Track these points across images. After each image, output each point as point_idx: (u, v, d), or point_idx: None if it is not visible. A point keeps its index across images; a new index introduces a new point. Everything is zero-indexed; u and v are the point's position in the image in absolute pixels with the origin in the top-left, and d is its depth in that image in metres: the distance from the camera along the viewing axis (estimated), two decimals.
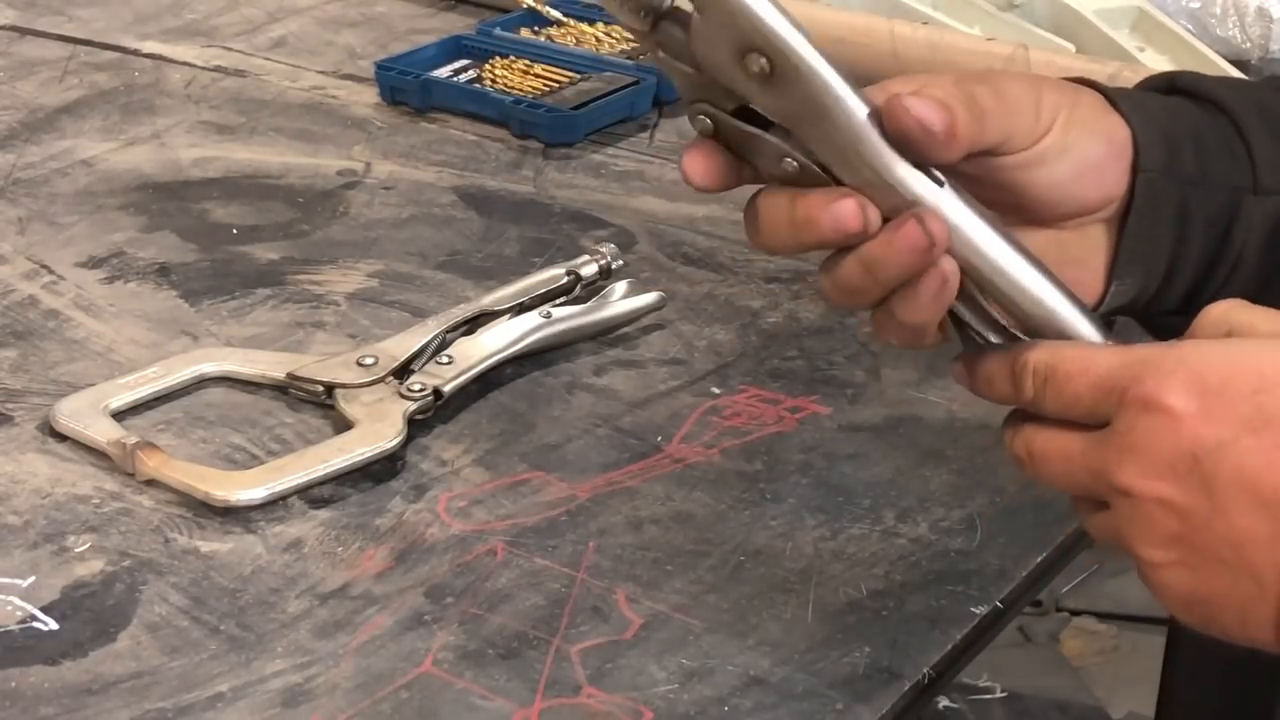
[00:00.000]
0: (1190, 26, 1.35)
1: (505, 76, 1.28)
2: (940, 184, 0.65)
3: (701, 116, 0.67)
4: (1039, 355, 0.65)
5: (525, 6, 1.37)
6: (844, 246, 0.66)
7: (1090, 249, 0.73)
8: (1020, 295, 0.67)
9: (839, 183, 0.66)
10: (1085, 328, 0.67)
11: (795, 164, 0.66)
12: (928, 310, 0.66)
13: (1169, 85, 0.77)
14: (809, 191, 0.66)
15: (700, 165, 0.68)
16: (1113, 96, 0.73)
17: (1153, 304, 0.76)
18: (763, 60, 0.64)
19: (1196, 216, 0.74)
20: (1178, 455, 0.59)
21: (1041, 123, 0.70)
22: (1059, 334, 0.66)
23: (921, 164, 0.65)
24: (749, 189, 0.69)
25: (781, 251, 0.69)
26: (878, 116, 0.65)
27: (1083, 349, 0.64)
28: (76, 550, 0.79)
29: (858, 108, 0.65)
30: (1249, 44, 1.35)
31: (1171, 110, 0.75)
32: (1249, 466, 0.59)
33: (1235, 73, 1.28)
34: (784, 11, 0.64)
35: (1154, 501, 0.60)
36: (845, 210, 0.65)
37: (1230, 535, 0.59)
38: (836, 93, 0.64)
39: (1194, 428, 0.59)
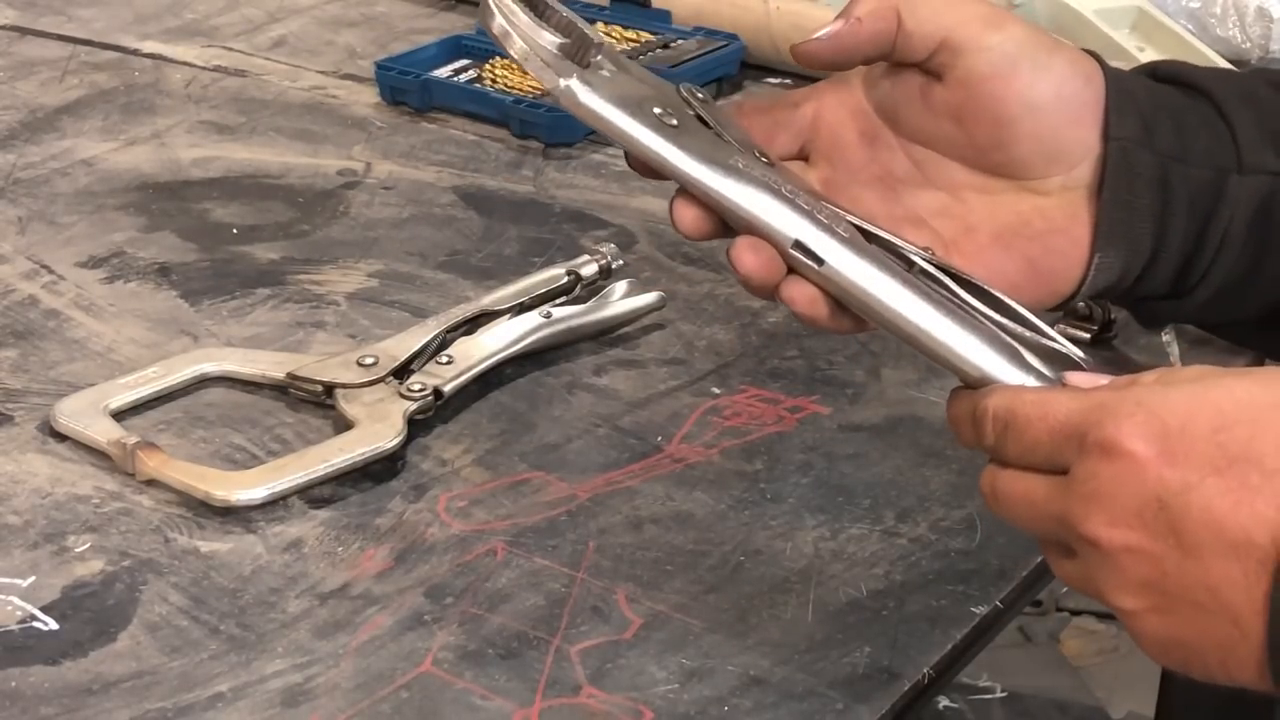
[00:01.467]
0: (1190, 26, 1.35)
1: (505, 76, 1.28)
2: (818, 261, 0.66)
3: None
4: (997, 401, 0.64)
5: None
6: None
7: (1073, 218, 0.72)
8: (941, 351, 0.67)
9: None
10: (1018, 374, 0.66)
11: None
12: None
13: (1151, 73, 0.77)
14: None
15: (688, 214, 0.70)
16: (1096, 57, 0.73)
17: (1140, 284, 0.75)
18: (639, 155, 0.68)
19: (1179, 192, 0.73)
20: (1143, 501, 0.58)
21: (994, 22, 0.69)
22: (998, 381, 0.66)
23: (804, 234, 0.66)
24: None
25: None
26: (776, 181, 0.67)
27: (1040, 393, 0.63)
28: (76, 550, 0.79)
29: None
30: (1249, 44, 1.35)
31: (1149, 89, 0.74)
32: (1216, 508, 0.57)
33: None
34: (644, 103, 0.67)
35: (1122, 550, 0.59)
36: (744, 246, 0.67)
37: (1204, 579, 0.58)
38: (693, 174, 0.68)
39: (1157, 471, 0.58)
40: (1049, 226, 0.71)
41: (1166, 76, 0.76)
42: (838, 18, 0.68)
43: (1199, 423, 0.58)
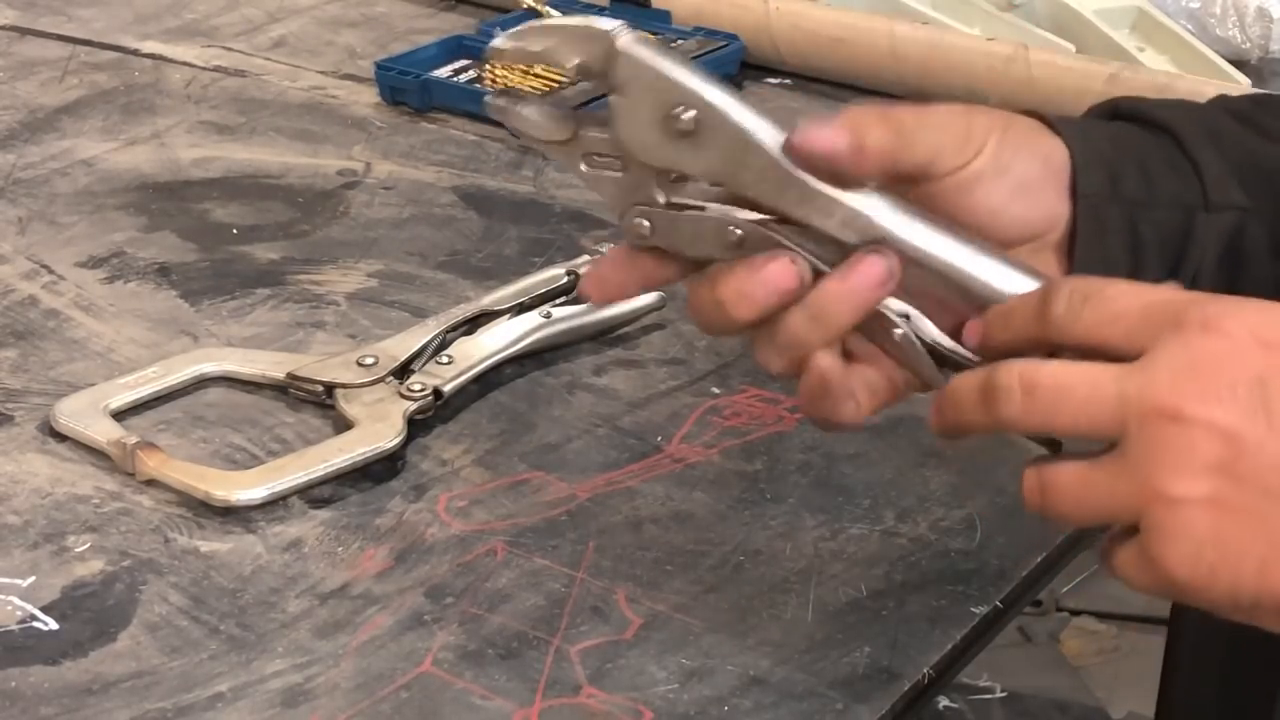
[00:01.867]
0: (1190, 26, 1.36)
1: (505, 76, 1.28)
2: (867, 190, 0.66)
3: (638, 220, 0.69)
4: (1078, 280, 0.62)
5: (525, 6, 1.37)
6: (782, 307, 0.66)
7: (1048, 273, 0.72)
8: (980, 280, 0.65)
9: (782, 237, 0.66)
10: None
11: (738, 231, 0.66)
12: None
13: (1112, 111, 0.77)
14: (735, 264, 0.66)
15: (598, 281, 0.70)
16: (1051, 120, 0.72)
17: None
18: (686, 114, 0.66)
19: (1149, 239, 0.73)
20: (1242, 379, 0.57)
21: (973, 143, 0.69)
22: None
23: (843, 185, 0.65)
24: None
25: (726, 333, 0.68)
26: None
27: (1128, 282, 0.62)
28: (76, 550, 0.79)
29: (774, 136, 0.66)
30: (1249, 44, 1.35)
31: (1113, 135, 0.74)
32: None
33: (1235, 72, 1.28)
34: (692, 64, 0.67)
35: (1205, 424, 0.57)
36: (776, 270, 0.65)
37: None
38: (751, 125, 0.66)
39: (1261, 352, 0.57)
40: None
41: (1129, 114, 0.76)
42: (838, 128, 0.66)
43: None
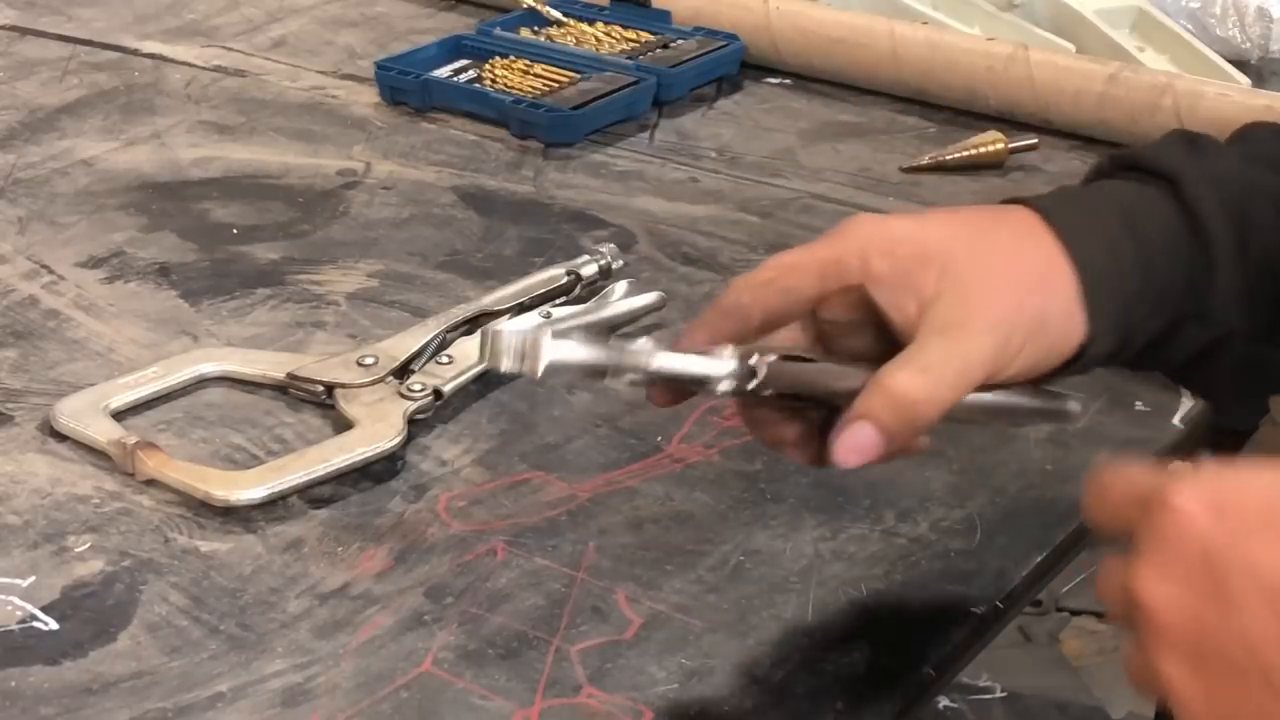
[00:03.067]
0: (1190, 26, 1.36)
1: (505, 76, 1.28)
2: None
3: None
4: (1099, 473, 0.62)
5: (525, 6, 1.37)
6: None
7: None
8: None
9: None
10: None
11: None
12: None
13: (1118, 165, 0.75)
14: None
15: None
16: (1087, 286, 0.69)
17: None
18: (635, 377, 0.68)
19: (1139, 342, 0.73)
20: (1189, 555, 0.56)
21: (1006, 370, 0.68)
22: None
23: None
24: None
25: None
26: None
27: (1134, 468, 0.61)
28: (76, 550, 0.79)
29: (707, 366, 0.69)
30: (1249, 44, 1.35)
31: (1134, 263, 0.71)
32: (1262, 563, 0.55)
33: (1235, 72, 1.28)
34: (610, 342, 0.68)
35: (1165, 607, 0.57)
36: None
37: (1243, 637, 0.55)
38: (686, 366, 0.69)
39: (1205, 525, 0.56)
40: None
41: (1127, 164, 0.75)
42: (868, 445, 0.67)
43: (1253, 492, 0.57)
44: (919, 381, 0.66)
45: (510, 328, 0.67)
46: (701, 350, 0.69)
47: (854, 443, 0.66)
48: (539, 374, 0.66)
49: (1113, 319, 0.70)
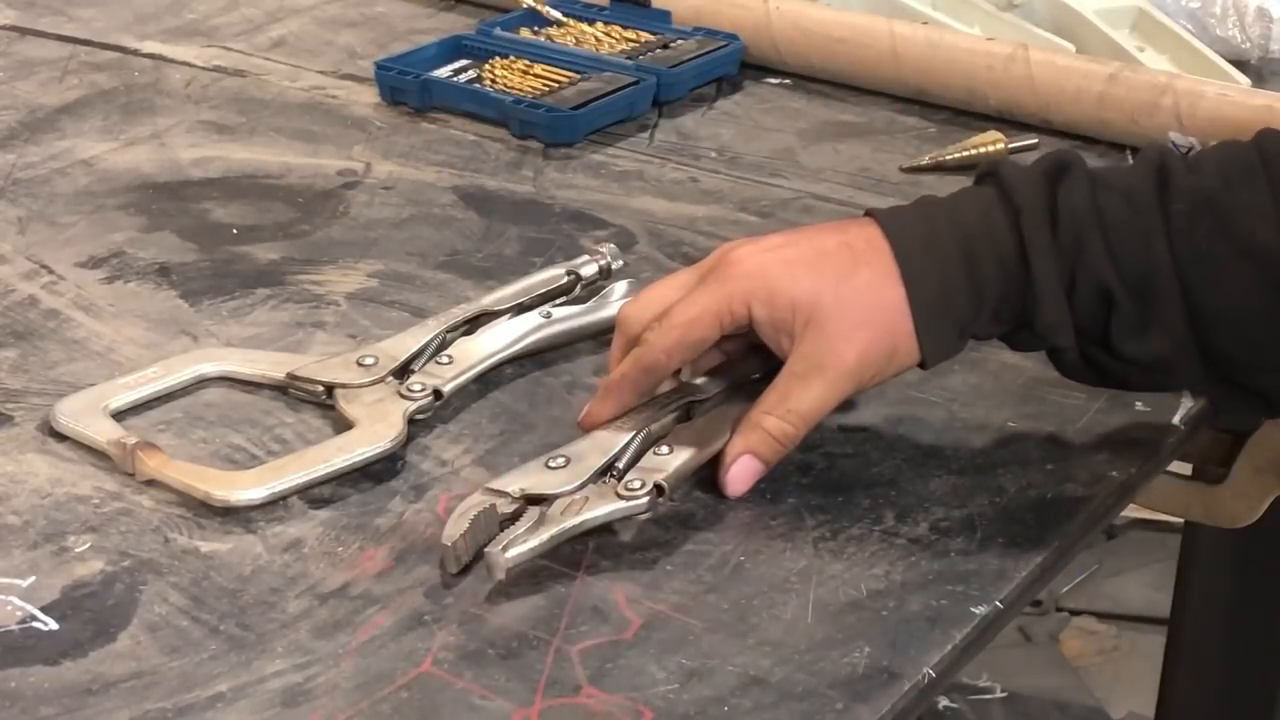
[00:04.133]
0: (1190, 26, 1.35)
1: (505, 76, 1.28)
2: None
3: None
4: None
5: (525, 6, 1.37)
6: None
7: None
8: None
9: None
10: None
11: None
12: None
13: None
14: None
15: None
16: (919, 323, 0.83)
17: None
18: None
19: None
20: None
21: (859, 390, 0.86)
22: None
23: None
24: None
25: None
26: None
27: None
28: (76, 550, 0.79)
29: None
30: (1249, 44, 1.35)
31: (967, 295, 0.84)
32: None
33: (1235, 72, 1.28)
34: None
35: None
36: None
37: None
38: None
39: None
40: None
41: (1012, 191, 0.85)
42: (741, 479, 0.84)
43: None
44: (787, 422, 0.83)
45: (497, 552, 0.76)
46: (612, 426, 0.84)
47: (741, 473, 0.83)
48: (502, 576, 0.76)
49: (946, 342, 0.84)
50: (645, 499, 0.80)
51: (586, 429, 0.84)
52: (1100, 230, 0.82)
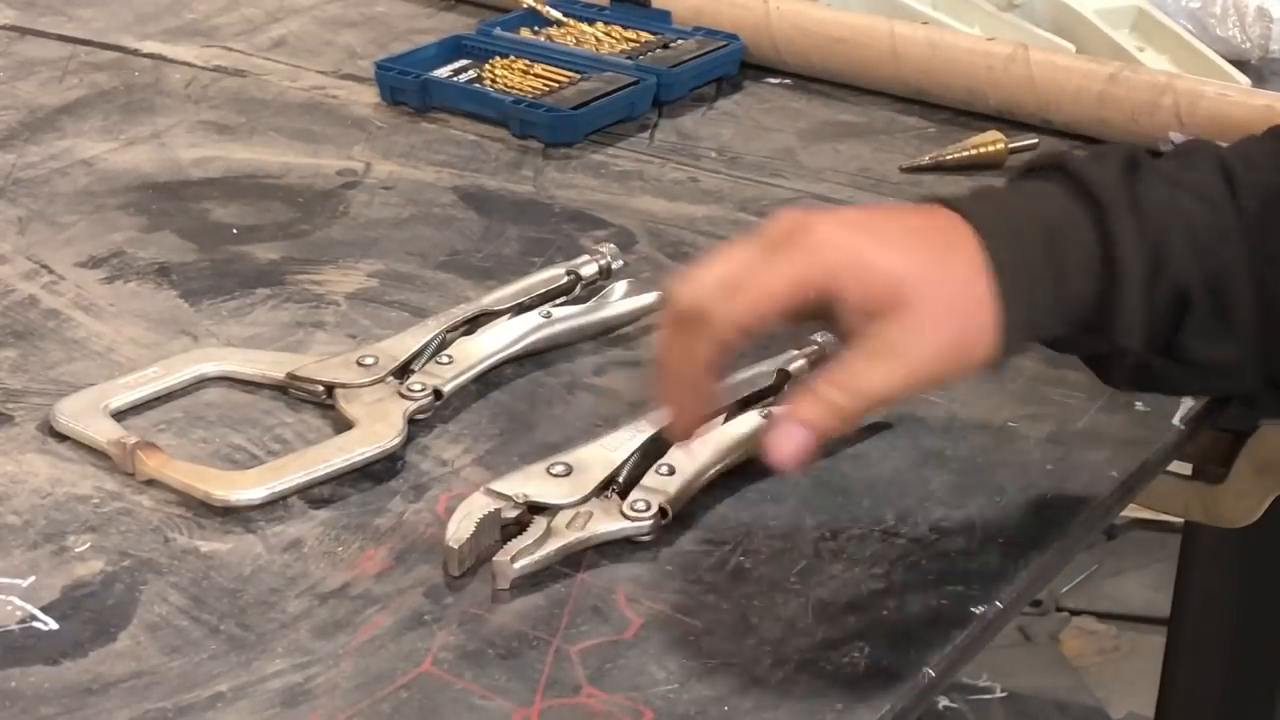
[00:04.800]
0: (1190, 26, 1.35)
1: (505, 76, 1.28)
2: None
3: None
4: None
5: (525, 6, 1.37)
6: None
7: None
8: None
9: None
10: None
11: None
12: None
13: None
14: None
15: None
16: (1006, 322, 0.74)
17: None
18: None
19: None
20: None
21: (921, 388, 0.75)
22: None
23: None
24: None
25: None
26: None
27: None
28: (76, 550, 0.79)
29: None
30: (1249, 44, 1.35)
31: (1050, 290, 0.77)
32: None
33: (1235, 72, 1.28)
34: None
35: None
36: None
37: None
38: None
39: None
40: None
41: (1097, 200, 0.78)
42: (797, 445, 0.73)
43: None
44: (849, 394, 0.72)
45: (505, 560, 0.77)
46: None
47: (786, 440, 0.72)
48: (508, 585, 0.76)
49: (1020, 344, 0.76)
50: (649, 522, 0.79)
51: (678, 441, 0.79)
52: (1183, 229, 0.78)
